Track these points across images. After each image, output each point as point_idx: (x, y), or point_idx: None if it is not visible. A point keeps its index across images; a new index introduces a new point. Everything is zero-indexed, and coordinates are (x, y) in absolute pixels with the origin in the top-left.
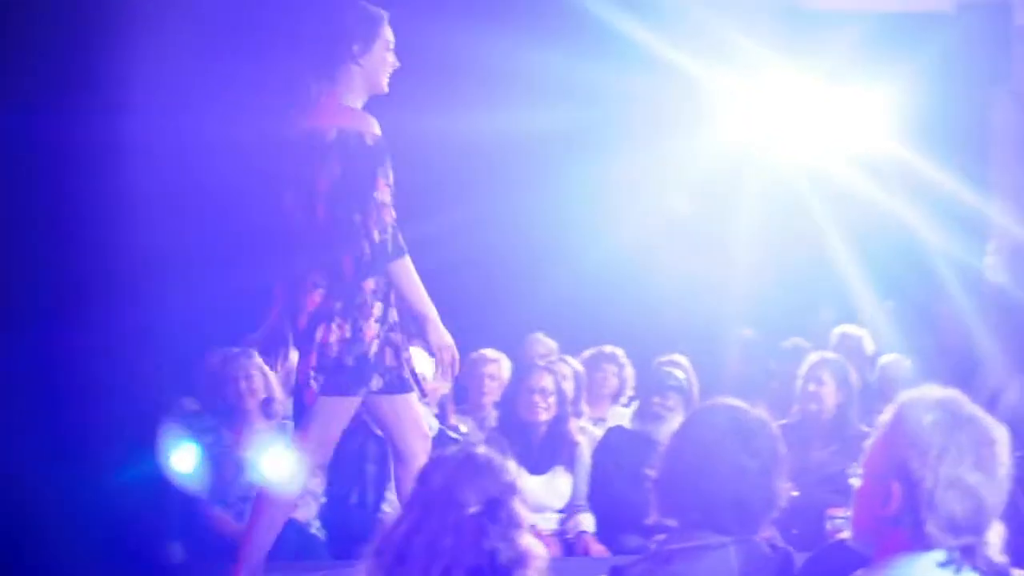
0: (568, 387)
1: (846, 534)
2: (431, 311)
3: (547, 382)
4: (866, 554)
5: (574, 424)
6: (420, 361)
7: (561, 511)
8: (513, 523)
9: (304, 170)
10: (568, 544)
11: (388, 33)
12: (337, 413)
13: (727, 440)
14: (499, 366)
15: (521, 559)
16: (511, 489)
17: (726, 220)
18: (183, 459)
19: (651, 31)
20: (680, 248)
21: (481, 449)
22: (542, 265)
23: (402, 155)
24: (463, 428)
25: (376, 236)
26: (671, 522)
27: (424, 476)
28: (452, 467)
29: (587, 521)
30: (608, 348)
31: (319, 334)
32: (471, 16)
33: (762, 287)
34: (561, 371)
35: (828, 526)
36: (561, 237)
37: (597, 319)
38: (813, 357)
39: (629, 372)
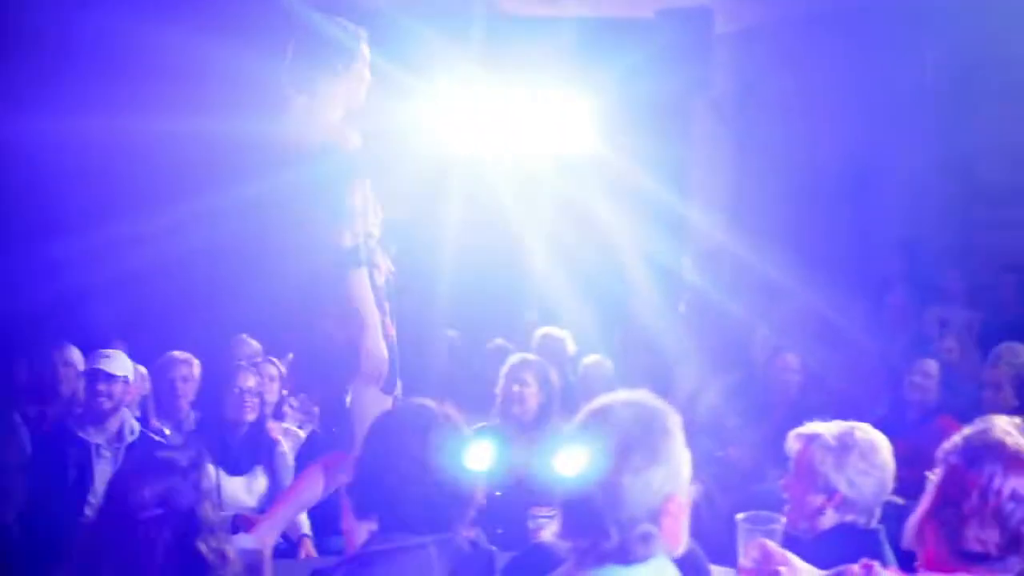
0: (273, 388)
1: (547, 534)
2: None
3: (253, 382)
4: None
5: (274, 425)
6: (122, 364)
7: (260, 511)
8: (207, 526)
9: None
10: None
11: (366, 50)
12: None
13: (412, 439)
14: (191, 367)
15: (218, 562)
16: (206, 492)
17: (433, 224)
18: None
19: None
20: (388, 250)
21: (174, 454)
22: (247, 267)
23: (121, 157)
24: (166, 431)
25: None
26: (368, 525)
27: (116, 481)
28: (134, 471)
29: (306, 524)
30: None
31: None
32: (200, 22)
33: (467, 288)
34: (267, 372)
35: (531, 525)
36: (265, 240)
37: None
38: (514, 358)
39: None
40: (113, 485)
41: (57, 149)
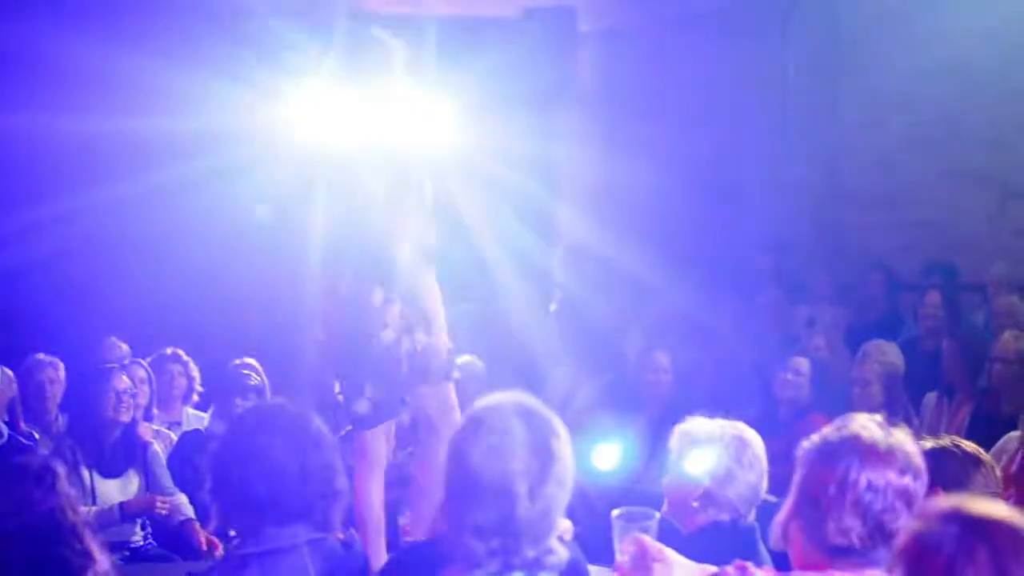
0: (144, 391)
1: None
2: None
3: (126, 383)
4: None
5: (145, 427)
6: None
7: None
8: (68, 529)
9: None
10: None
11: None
12: None
13: (268, 439)
14: (56, 370)
15: (85, 563)
16: (64, 496)
17: (301, 227)
18: None
19: (230, 39)
20: (257, 254)
21: (35, 459)
22: (116, 269)
23: None
24: (35, 435)
25: None
26: (231, 527)
27: None
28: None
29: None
30: (169, 349)
31: None
32: (72, 19)
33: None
34: (137, 374)
35: (401, 522)
36: (138, 241)
37: (168, 323)
38: None
39: (195, 372)
40: None
41: None
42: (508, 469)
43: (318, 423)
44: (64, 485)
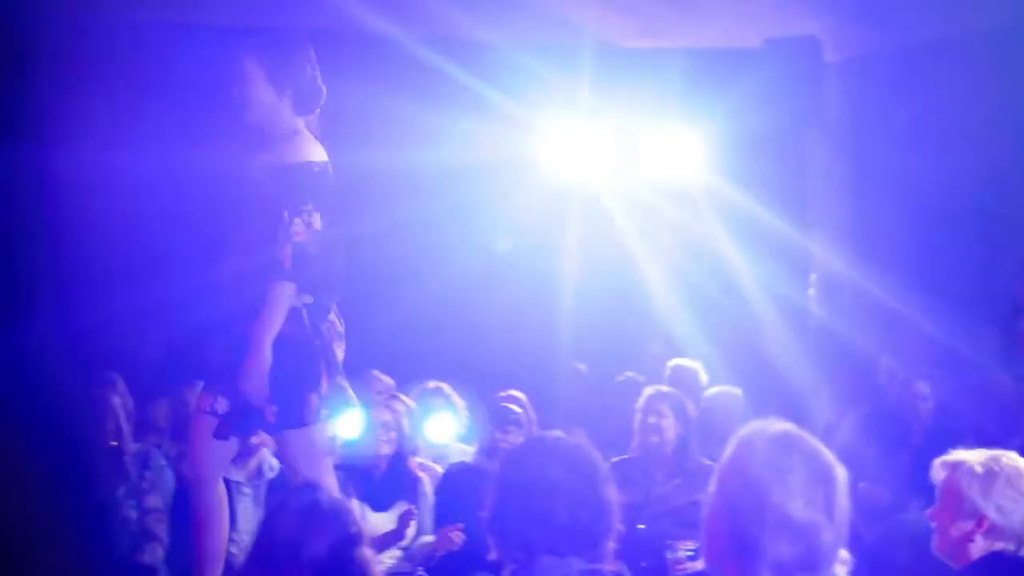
0: (405, 423)
1: (695, 566)
2: None
3: (387, 417)
4: None
5: (413, 461)
6: None
7: (404, 548)
8: (363, 568)
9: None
10: None
11: None
12: None
13: (553, 471)
14: None
15: None
16: (357, 536)
17: (552, 256)
18: None
19: (477, 75)
20: (508, 284)
21: (324, 493)
22: (373, 303)
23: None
24: None
25: None
26: (507, 558)
27: (268, 522)
28: (296, 514)
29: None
30: (432, 383)
31: None
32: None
33: (590, 321)
34: (398, 408)
35: (669, 556)
36: (392, 274)
37: (427, 356)
38: (650, 390)
39: (458, 404)
40: (276, 530)
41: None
42: (803, 500)
43: (596, 455)
44: (360, 522)
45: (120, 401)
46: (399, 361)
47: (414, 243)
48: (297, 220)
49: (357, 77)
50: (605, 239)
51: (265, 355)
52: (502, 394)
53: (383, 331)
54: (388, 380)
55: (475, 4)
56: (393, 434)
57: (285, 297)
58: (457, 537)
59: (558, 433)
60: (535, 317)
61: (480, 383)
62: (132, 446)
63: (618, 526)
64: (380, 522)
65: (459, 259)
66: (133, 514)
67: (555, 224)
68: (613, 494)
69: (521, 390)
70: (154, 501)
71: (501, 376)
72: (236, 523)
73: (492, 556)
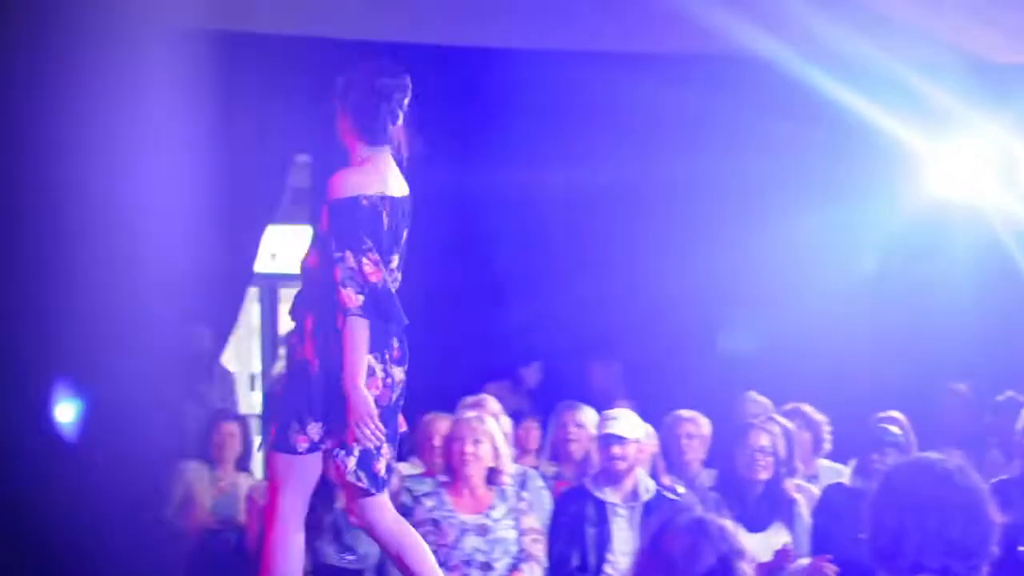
0: (781, 445)
1: None
2: None
3: (765, 440)
4: None
5: (789, 482)
6: (634, 426)
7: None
8: None
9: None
10: None
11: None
12: None
13: (941, 490)
14: (696, 424)
15: None
16: (741, 553)
17: (930, 277)
18: None
19: (853, 93)
20: (882, 303)
21: (706, 513)
22: (744, 323)
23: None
24: (679, 489)
25: None
26: None
27: (657, 540)
28: (685, 532)
29: None
30: (790, 404)
31: None
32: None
33: (974, 340)
34: (774, 429)
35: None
36: (760, 295)
37: (797, 376)
38: None
39: (822, 424)
40: (668, 548)
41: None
42: None
43: (976, 476)
44: (734, 538)
45: (495, 423)
46: (768, 382)
47: (789, 261)
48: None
49: (736, 96)
50: (985, 256)
51: None
52: (880, 415)
53: (752, 353)
54: (765, 401)
55: (843, 22)
56: (770, 458)
57: None
58: (831, 570)
59: (936, 455)
60: (913, 336)
61: (849, 404)
62: (511, 467)
63: (995, 548)
64: (754, 543)
65: (832, 279)
66: (512, 534)
67: (932, 242)
68: (997, 515)
69: (896, 410)
70: (531, 521)
71: (869, 396)
72: (610, 544)
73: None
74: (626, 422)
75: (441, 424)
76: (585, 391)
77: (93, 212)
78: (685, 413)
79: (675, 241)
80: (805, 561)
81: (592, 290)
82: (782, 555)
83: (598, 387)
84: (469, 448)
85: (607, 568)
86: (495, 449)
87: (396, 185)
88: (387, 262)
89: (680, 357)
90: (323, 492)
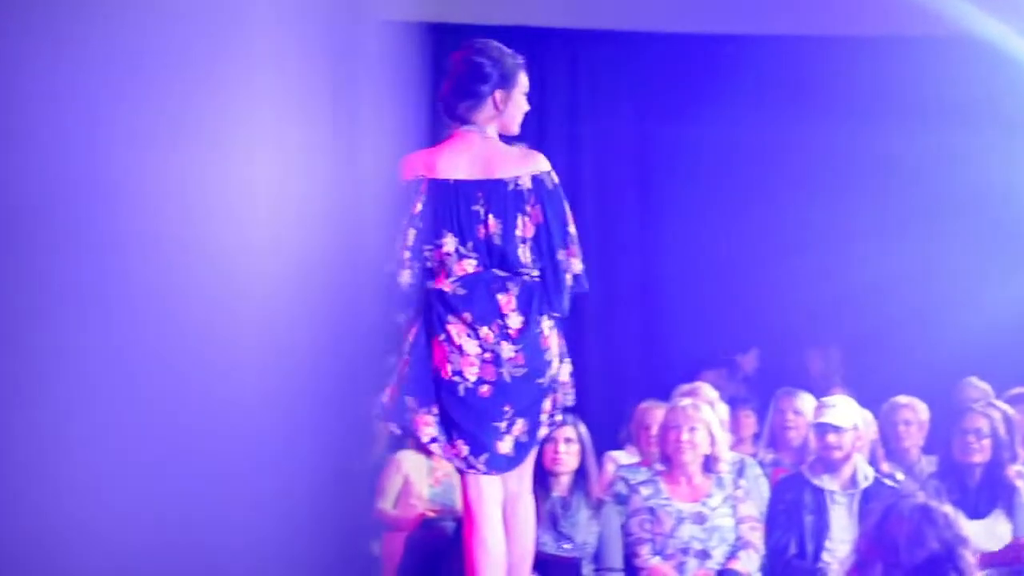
0: (1001, 429)
1: None
2: None
3: (981, 424)
4: None
5: (1011, 468)
6: (850, 413)
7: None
8: (967, 571)
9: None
10: None
11: (525, 80)
12: None
13: None
14: (914, 411)
15: None
16: (964, 540)
17: None
18: None
19: None
20: None
21: (929, 499)
22: (965, 308)
23: None
24: (899, 476)
25: None
26: None
27: (881, 526)
28: (908, 517)
29: None
30: (1015, 390)
31: None
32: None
33: None
34: (994, 414)
35: None
36: (981, 276)
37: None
38: None
39: None
40: (893, 532)
41: None
42: None
43: None
44: (957, 525)
45: (711, 410)
46: (990, 367)
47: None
48: None
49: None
50: None
51: None
52: None
53: (973, 336)
54: (985, 386)
55: None
56: (986, 441)
57: None
58: None
59: None
60: None
61: None
62: (728, 454)
63: None
64: (975, 530)
65: None
66: (729, 522)
67: None
68: None
69: None
70: (748, 509)
71: None
72: (828, 532)
73: None
74: (842, 410)
75: (657, 412)
76: (803, 377)
77: None
78: (902, 399)
79: (890, 224)
80: None
81: (810, 275)
82: (1017, 548)
83: (816, 373)
84: (685, 436)
85: (825, 556)
86: (711, 436)
87: (454, 167)
88: (438, 246)
89: (899, 341)
90: (539, 481)
